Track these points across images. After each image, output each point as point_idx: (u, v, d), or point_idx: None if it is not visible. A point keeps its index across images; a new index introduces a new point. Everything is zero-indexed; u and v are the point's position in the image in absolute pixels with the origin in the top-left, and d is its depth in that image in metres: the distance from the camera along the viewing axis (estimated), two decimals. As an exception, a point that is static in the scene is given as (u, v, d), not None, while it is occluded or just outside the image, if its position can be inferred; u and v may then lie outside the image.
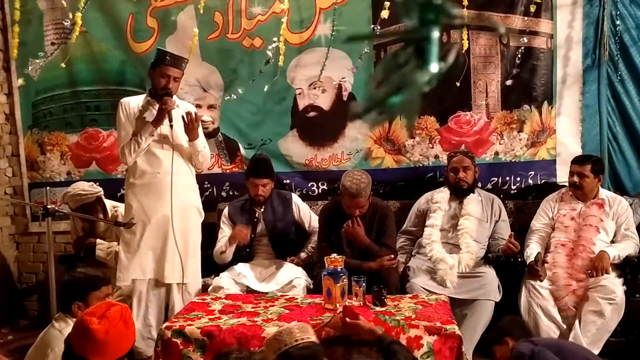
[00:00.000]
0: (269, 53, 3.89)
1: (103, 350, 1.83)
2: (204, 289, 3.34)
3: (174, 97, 3.23)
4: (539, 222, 3.38)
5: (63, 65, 4.13)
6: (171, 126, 3.12)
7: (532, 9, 3.66)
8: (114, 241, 3.54)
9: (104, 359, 1.84)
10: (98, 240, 3.53)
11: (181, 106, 3.27)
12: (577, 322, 2.98)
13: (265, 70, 3.93)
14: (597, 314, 2.95)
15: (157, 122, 3.10)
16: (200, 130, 3.34)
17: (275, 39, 3.87)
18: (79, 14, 3.81)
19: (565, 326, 3.02)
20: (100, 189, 3.59)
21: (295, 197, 3.67)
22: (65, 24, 4.09)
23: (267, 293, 3.16)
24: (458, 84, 3.75)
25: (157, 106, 3.13)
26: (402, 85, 0.78)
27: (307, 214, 3.63)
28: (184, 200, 3.24)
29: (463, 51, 3.69)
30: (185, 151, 3.26)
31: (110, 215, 3.58)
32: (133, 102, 3.23)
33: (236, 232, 3.36)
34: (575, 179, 3.26)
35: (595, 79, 3.72)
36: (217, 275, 3.36)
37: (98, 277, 2.36)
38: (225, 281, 3.24)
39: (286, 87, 3.95)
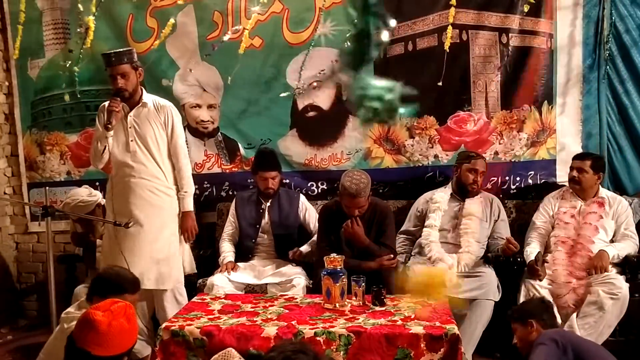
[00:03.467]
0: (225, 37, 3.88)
1: (104, 342, 1.85)
2: (200, 288, 3.33)
3: (145, 95, 3.20)
4: (539, 220, 3.39)
5: (62, 65, 4.14)
6: (107, 127, 3.04)
7: (525, 8, 3.65)
8: None
9: (105, 351, 1.86)
10: (98, 242, 3.52)
11: (149, 101, 3.21)
12: (574, 314, 2.98)
13: (265, 69, 3.93)
14: (596, 307, 2.94)
15: (107, 125, 3.05)
16: (178, 125, 3.27)
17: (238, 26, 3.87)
18: (91, 18, 3.82)
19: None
20: (99, 194, 3.59)
21: (303, 198, 3.69)
22: (81, 30, 4.09)
23: (265, 290, 3.17)
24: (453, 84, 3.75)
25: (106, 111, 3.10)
26: None
27: (312, 216, 3.64)
28: (151, 202, 3.16)
29: (446, 48, 3.69)
30: (153, 152, 3.18)
31: None
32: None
33: (227, 265, 3.38)
34: (575, 174, 3.28)
35: (596, 78, 3.71)
36: (213, 274, 3.36)
37: (125, 284, 2.36)
38: (219, 279, 3.24)
39: (286, 87, 3.95)
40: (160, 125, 3.20)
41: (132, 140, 3.13)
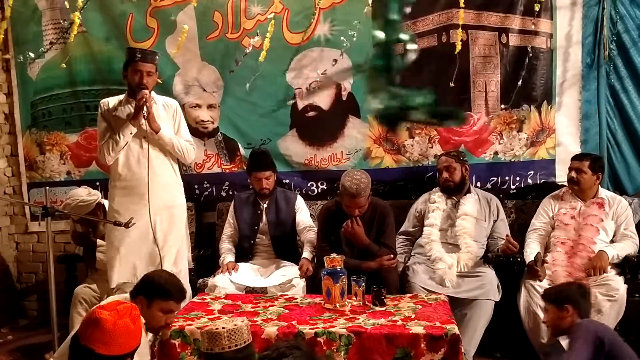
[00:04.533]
0: (250, 44, 3.89)
1: (109, 340, 1.86)
2: (201, 288, 3.33)
3: (152, 93, 3.20)
4: (539, 221, 3.39)
5: (62, 65, 4.14)
6: (144, 116, 3.04)
7: (536, 7, 3.65)
8: None
9: (108, 350, 1.87)
10: (99, 242, 3.52)
11: (159, 102, 3.23)
12: None
13: (265, 69, 3.93)
14: (594, 310, 2.94)
15: (135, 118, 3.06)
16: (183, 121, 3.32)
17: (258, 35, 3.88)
18: (77, 13, 3.81)
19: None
20: (98, 193, 3.59)
21: (299, 199, 3.68)
22: (64, 23, 4.10)
23: (265, 290, 3.17)
24: (452, 84, 3.75)
25: (134, 104, 3.09)
26: None
27: (302, 217, 3.62)
28: (166, 198, 3.17)
29: (456, 52, 3.69)
30: (166, 148, 3.20)
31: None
32: (112, 102, 3.20)
33: (227, 265, 3.39)
34: (573, 174, 3.28)
35: (595, 78, 3.71)
36: (215, 275, 3.36)
37: (173, 291, 2.28)
38: (221, 280, 3.24)
39: (286, 87, 3.95)
40: (168, 122, 3.23)
41: (144, 137, 3.14)
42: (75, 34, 3.93)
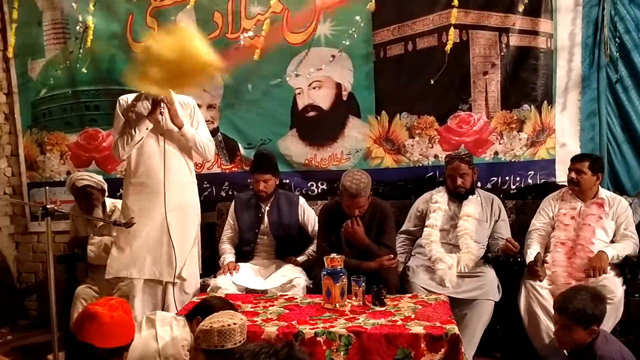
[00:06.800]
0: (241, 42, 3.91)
1: (108, 333, 1.89)
2: (203, 289, 3.33)
3: (171, 91, 3.21)
4: (539, 221, 3.39)
5: (62, 65, 4.14)
6: (161, 113, 3.05)
7: (532, 8, 3.66)
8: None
9: (108, 343, 1.89)
10: (93, 239, 3.52)
11: (176, 100, 3.22)
12: None
13: (266, 69, 3.93)
14: None
15: (152, 113, 3.07)
16: (202, 119, 3.33)
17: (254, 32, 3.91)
18: (90, 18, 3.82)
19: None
20: (105, 184, 3.63)
21: (302, 200, 3.68)
22: (78, 28, 4.09)
23: (266, 291, 3.17)
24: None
25: (151, 100, 3.10)
26: None
27: (311, 218, 3.63)
28: (180, 197, 3.17)
29: (447, 51, 3.70)
30: (182, 146, 3.20)
31: (108, 209, 3.59)
32: (131, 98, 3.20)
33: (229, 266, 3.39)
34: (573, 175, 3.27)
35: (595, 78, 3.71)
36: (216, 275, 3.36)
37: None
38: (224, 281, 3.24)
39: (286, 87, 3.95)
40: (186, 120, 3.21)
41: (161, 134, 3.14)
42: (91, 38, 3.94)
